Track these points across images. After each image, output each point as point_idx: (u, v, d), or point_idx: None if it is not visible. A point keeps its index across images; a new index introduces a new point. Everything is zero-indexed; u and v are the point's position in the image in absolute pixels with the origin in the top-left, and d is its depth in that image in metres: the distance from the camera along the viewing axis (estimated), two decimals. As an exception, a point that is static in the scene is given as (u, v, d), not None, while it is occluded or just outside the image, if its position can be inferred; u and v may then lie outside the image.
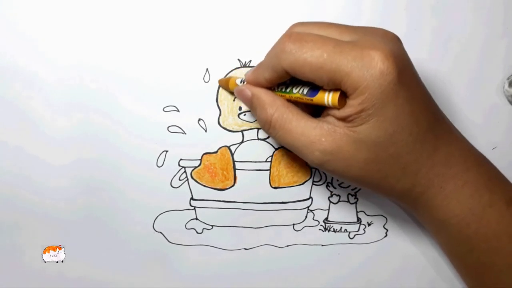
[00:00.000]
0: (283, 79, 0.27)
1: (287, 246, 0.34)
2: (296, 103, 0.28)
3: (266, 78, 0.27)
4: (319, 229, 0.34)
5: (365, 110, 0.24)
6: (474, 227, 0.27)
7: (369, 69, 0.23)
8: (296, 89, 0.27)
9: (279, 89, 0.28)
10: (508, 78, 0.33)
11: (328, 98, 0.25)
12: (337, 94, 0.24)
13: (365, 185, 0.27)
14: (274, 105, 0.27)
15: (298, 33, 0.25)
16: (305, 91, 0.26)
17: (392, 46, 0.24)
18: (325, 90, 0.25)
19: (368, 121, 0.24)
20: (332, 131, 0.25)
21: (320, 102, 0.25)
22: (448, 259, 0.31)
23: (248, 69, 0.32)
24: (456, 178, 0.26)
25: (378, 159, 0.25)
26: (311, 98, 0.26)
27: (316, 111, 0.28)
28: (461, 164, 0.27)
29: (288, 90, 0.27)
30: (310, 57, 0.24)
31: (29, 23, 0.31)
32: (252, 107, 0.29)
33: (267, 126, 0.27)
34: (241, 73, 0.32)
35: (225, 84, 0.31)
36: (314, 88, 0.26)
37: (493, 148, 0.33)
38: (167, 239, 0.34)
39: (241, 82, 0.30)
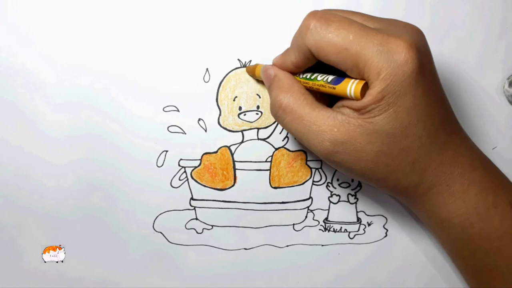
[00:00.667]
0: (309, 63, 0.26)
1: (287, 246, 0.34)
2: (316, 93, 0.27)
3: (292, 61, 0.27)
4: (319, 229, 0.34)
5: (385, 98, 0.23)
6: (478, 227, 0.26)
7: (394, 55, 0.23)
8: (321, 76, 0.26)
9: (304, 76, 0.27)
10: (508, 78, 0.33)
11: (352, 87, 0.24)
12: (362, 84, 0.24)
13: (370, 179, 0.27)
14: (290, 89, 0.26)
15: (324, 11, 0.25)
16: (330, 79, 0.26)
17: (416, 37, 0.24)
18: (349, 79, 0.24)
19: (386, 111, 0.23)
20: (346, 122, 0.24)
21: (342, 91, 0.25)
22: (450, 258, 0.31)
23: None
24: (462, 177, 0.26)
25: (389, 153, 0.25)
26: (334, 86, 0.25)
27: (331, 105, 0.28)
28: (468, 164, 0.27)
29: (313, 77, 0.27)
30: (335, 37, 0.24)
31: (30, 22, 0.31)
32: (270, 87, 0.28)
33: (276, 108, 0.27)
34: (241, 74, 0.32)
35: (252, 71, 0.31)
36: (339, 77, 0.25)
37: (493, 148, 0.33)
38: (167, 239, 0.34)
39: None
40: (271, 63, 0.31)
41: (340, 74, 0.25)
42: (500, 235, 0.27)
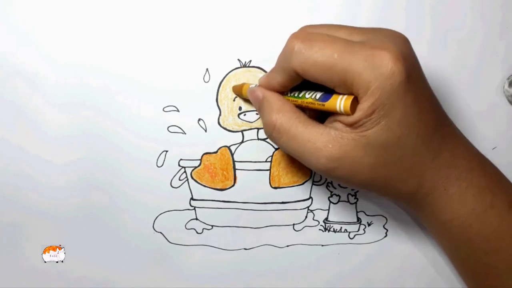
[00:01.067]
0: (295, 82, 0.27)
1: (287, 246, 0.34)
2: (305, 110, 0.27)
3: (278, 82, 0.27)
4: (319, 229, 0.34)
5: (376, 112, 0.23)
6: (476, 228, 0.27)
7: (380, 69, 0.23)
8: (309, 94, 0.26)
9: (292, 94, 0.27)
10: (508, 78, 0.33)
11: (341, 103, 0.24)
12: (350, 99, 0.24)
13: (370, 190, 0.27)
14: (282, 109, 0.27)
15: (307, 32, 0.25)
16: (318, 96, 0.26)
17: (402, 46, 0.24)
18: (338, 95, 0.25)
19: (378, 124, 0.24)
20: (340, 137, 0.25)
21: (332, 107, 0.25)
22: (450, 260, 0.31)
23: (248, 69, 0.32)
24: (460, 179, 0.26)
25: (385, 163, 0.25)
26: (323, 103, 0.25)
27: (323, 119, 0.28)
28: (465, 166, 0.27)
29: (300, 95, 0.27)
30: (320, 57, 0.24)
31: (30, 22, 0.31)
32: (261, 109, 0.28)
33: (270, 130, 0.27)
34: (241, 74, 0.32)
35: (238, 90, 0.31)
36: (327, 94, 0.25)
37: (493, 148, 0.33)
38: (167, 239, 0.34)
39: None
40: (270, 63, 0.31)
41: (327, 90, 0.25)
42: (499, 236, 0.27)
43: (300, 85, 0.27)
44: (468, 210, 0.26)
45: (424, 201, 0.27)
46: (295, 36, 0.25)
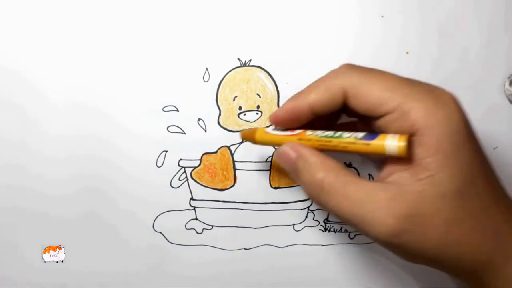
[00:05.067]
0: (331, 107, 0.23)
1: (287, 246, 0.34)
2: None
3: (310, 102, 0.23)
4: (319, 229, 0.34)
5: (442, 149, 0.20)
6: None
7: (444, 104, 0.20)
8: (348, 133, 0.22)
9: (325, 135, 0.23)
10: (508, 77, 0.33)
11: (393, 141, 0.20)
12: (405, 137, 0.20)
13: (440, 261, 0.22)
14: (326, 166, 0.22)
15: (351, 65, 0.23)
16: (360, 135, 0.22)
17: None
18: (386, 134, 0.21)
19: (446, 166, 0.20)
20: (403, 191, 0.20)
21: (380, 147, 0.20)
22: None
23: (248, 68, 0.32)
24: None
25: (461, 218, 0.21)
26: (369, 142, 0.21)
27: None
28: None
29: (336, 135, 0.23)
30: (378, 81, 0.21)
31: (30, 22, 0.31)
32: (297, 170, 0.24)
33: (318, 192, 0.22)
34: (241, 73, 0.32)
35: (250, 137, 0.27)
36: (371, 133, 0.22)
37: (494, 148, 0.33)
38: (167, 239, 0.34)
39: (273, 129, 0.25)
40: (270, 62, 0.31)
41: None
42: None
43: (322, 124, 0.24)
44: None
45: (501, 272, 0.22)
46: (350, 64, 0.23)
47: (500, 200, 0.22)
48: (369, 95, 0.21)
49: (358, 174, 0.27)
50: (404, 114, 0.20)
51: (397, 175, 0.21)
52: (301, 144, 0.24)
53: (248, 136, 0.27)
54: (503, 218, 0.22)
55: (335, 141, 0.22)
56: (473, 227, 0.21)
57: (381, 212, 0.20)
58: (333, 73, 0.23)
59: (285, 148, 0.24)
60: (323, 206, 0.23)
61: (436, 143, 0.20)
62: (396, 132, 0.21)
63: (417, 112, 0.20)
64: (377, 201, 0.20)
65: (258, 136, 0.26)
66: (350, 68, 0.23)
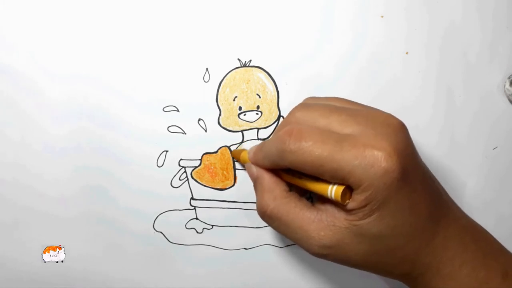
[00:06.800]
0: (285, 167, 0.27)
1: (287, 246, 0.34)
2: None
3: (266, 166, 0.28)
4: (319, 229, 0.34)
5: (369, 205, 0.24)
6: None
7: (372, 168, 0.23)
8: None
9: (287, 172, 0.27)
10: (508, 77, 0.33)
11: (332, 191, 0.24)
12: (341, 189, 0.24)
13: (364, 270, 0.27)
14: (273, 194, 0.27)
15: (298, 129, 0.25)
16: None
17: (396, 139, 0.24)
18: (329, 182, 0.25)
19: (371, 216, 0.24)
20: (332, 225, 0.25)
21: (323, 193, 0.25)
22: None
23: (248, 68, 0.32)
24: (453, 259, 0.26)
25: (378, 252, 0.25)
26: (318, 182, 0.25)
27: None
28: (458, 245, 0.26)
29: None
30: (309, 157, 0.24)
31: (30, 22, 0.31)
32: (255, 188, 0.29)
33: (262, 214, 0.28)
34: (241, 73, 0.32)
35: (237, 157, 0.32)
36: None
37: (494, 148, 0.33)
38: (167, 239, 0.34)
39: None
40: (270, 63, 0.31)
41: None
42: None
43: None
44: None
45: (417, 281, 0.27)
46: (287, 133, 0.25)
47: (434, 227, 0.26)
48: (305, 172, 0.25)
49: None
50: (339, 181, 0.24)
51: (333, 206, 0.26)
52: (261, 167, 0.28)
53: (236, 156, 0.32)
54: (429, 245, 0.25)
55: (298, 181, 0.27)
56: (391, 256, 0.25)
57: (310, 241, 0.25)
58: (277, 148, 0.26)
59: (252, 166, 0.29)
60: (267, 223, 0.28)
61: (363, 201, 0.23)
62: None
63: (348, 181, 0.23)
64: (309, 230, 0.26)
65: (242, 158, 0.31)
66: (288, 144, 0.25)
